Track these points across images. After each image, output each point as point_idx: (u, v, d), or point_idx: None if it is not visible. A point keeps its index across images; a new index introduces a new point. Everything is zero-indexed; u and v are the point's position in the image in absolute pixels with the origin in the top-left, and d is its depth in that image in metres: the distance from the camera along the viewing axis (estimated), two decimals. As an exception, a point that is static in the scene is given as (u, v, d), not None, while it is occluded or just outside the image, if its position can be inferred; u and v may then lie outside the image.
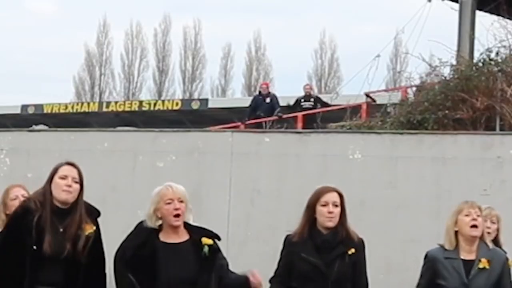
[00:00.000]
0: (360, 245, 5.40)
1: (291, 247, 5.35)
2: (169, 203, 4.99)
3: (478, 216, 5.40)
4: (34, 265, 4.90)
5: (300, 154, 9.75)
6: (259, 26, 67.50)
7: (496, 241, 6.30)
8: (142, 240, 5.01)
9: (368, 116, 15.63)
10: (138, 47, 52.77)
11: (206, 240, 4.98)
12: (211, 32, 68.86)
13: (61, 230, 4.97)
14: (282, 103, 18.44)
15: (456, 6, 16.71)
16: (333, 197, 5.32)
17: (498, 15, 15.14)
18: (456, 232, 5.43)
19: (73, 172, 5.12)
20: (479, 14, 16.38)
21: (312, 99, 18.32)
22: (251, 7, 73.08)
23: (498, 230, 6.50)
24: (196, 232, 5.04)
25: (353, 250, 5.31)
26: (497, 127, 12.22)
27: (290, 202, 9.61)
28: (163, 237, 5.01)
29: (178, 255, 4.92)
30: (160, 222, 5.06)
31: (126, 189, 10.03)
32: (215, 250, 5.02)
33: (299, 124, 17.40)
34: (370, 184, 9.34)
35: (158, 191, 5.08)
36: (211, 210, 9.31)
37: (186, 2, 72.71)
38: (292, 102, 18.57)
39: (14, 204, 5.82)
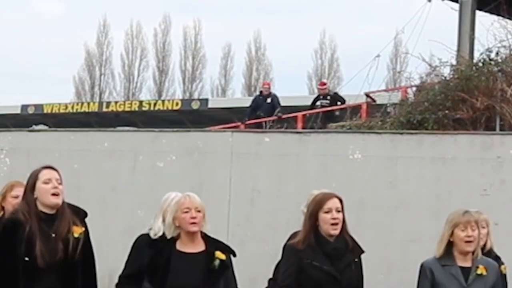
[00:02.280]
0: (361, 252, 5.39)
1: (299, 255, 5.25)
2: (186, 212, 5.12)
3: (473, 231, 5.39)
4: (28, 276, 4.85)
5: (300, 154, 9.75)
6: (259, 26, 67.58)
7: (486, 245, 6.30)
8: (159, 248, 5.18)
9: (368, 116, 15.62)
10: (138, 47, 52.83)
11: (219, 255, 5.10)
12: (211, 32, 68.96)
13: (53, 235, 4.94)
14: (282, 103, 18.43)
15: (456, 6, 16.71)
16: (335, 203, 5.28)
17: (498, 15, 15.14)
18: (450, 242, 5.43)
19: (54, 174, 5.07)
20: (479, 14, 16.38)
21: (328, 97, 18.05)
22: (251, 7, 73.17)
23: (488, 234, 6.49)
24: (212, 244, 5.17)
25: (358, 258, 5.33)
26: (497, 127, 12.22)
27: (290, 202, 9.61)
28: (180, 245, 5.12)
29: (189, 265, 5.03)
30: (178, 231, 5.17)
31: (126, 189, 10.03)
32: (225, 266, 5.13)
33: (299, 124, 17.39)
34: (370, 184, 9.35)
35: (177, 200, 5.22)
36: (211, 210, 9.24)
37: (186, 2, 72.78)
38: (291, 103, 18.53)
39: (12, 202, 5.81)
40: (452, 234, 5.41)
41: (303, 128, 16.52)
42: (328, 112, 17.19)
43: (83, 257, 5.02)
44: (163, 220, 5.83)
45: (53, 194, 4.99)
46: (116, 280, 5.84)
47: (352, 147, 9.58)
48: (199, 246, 5.13)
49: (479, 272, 5.35)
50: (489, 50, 13.54)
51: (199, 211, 5.15)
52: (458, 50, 15.35)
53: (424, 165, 9.38)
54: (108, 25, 53.22)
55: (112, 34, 53.46)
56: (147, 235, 5.94)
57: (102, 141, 10.36)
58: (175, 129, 10.61)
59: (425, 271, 5.45)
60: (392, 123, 12.94)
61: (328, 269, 5.17)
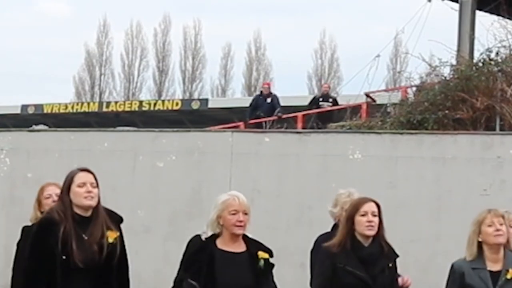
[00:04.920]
0: (395, 257, 5.42)
1: (333, 260, 5.25)
2: (233, 214, 5.09)
3: (501, 225, 5.34)
4: (64, 276, 4.86)
5: (300, 154, 9.74)
6: (259, 26, 67.66)
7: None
8: (200, 245, 5.13)
9: (368, 116, 15.63)
10: (138, 47, 52.83)
11: (262, 254, 5.08)
12: (211, 32, 68.93)
13: (86, 238, 4.94)
14: (282, 103, 18.45)
15: (456, 6, 16.72)
16: (372, 207, 5.32)
17: (498, 15, 15.15)
18: (479, 243, 5.37)
19: (89, 178, 5.07)
20: (479, 14, 16.38)
21: (331, 99, 18.26)
22: (251, 7, 73.18)
23: None
24: (253, 245, 5.15)
25: (392, 263, 5.35)
26: (497, 127, 12.22)
27: (290, 202, 9.62)
28: (221, 244, 5.09)
29: (235, 265, 5.02)
30: (220, 229, 5.13)
31: (126, 189, 10.03)
32: (270, 264, 5.13)
33: (299, 124, 17.41)
34: (370, 184, 9.32)
35: (224, 200, 5.16)
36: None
37: (186, 2, 72.79)
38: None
39: (47, 203, 5.90)
40: (479, 233, 5.35)
41: (303, 128, 16.54)
42: (328, 113, 17.30)
43: (117, 263, 5.02)
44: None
45: (86, 197, 4.99)
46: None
47: (352, 147, 9.58)
48: (241, 247, 5.10)
49: (508, 276, 5.26)
50: (489, 50, 13.55)
51: (246, 214, 5.11)
52: (458, 50, 15.35)
53: (424, 165, 9.38)
54: (108, 25, 53.29)
55: (112, 34, 53.56)
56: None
57: (102, 141, 10.35)
58: (175, 129, 10.60)
59: (455, 273, 5.39)
60: (392, 123, 12.94)
61: (361, 275, 5.17)
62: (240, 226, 5.06)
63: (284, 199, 9.63)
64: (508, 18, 14.77)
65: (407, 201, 9.33)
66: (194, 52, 52.47)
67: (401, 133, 9.99)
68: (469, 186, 9.15)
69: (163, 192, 9.95)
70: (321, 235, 6.09)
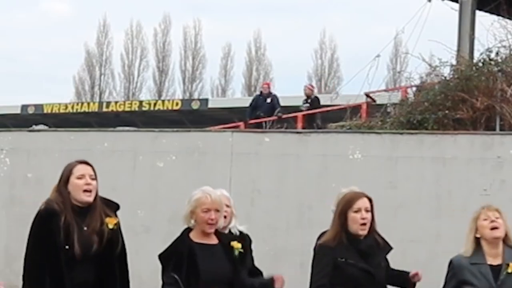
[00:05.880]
0: (390, 249, 5.48)
1: (333, 255, 5.24)
2: (205, 212, 5.15)
3: (497, 218, 5.34)
4: (68, 265, 4.91)
5: (300, 154, 9.75)
6: (259, 26, 67.65)
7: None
8: (177, 239, 5.21)
9: (368, 116, 15.62)
10: (138, 47, 52.84)
11: (236, 245, 5.22)
12: (211, 32, 68.92)
13: (85, 228, 4.98)
14: (282, 103, 18.44)
15: (456, 6, 16.71)
16: (365, 203, 5.32)
17: (498, 15, 15.14)
18: (478, 239, 5.37)
19: (88, 170, 5.12)
20: (479, 14, 16.37)
21: (309, 100, 18.20)
22: (251, 7, 73.17)
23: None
24: (224, 236, 5.29)
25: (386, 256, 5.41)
26: (497, 127, 12.21)
27: (290, 202, 9.62)
28: (194, 237, 5.17)
29: (213, 255, 5.13)
30: (193, 223, 5.21)
31: (126, 189, 10.03)
32: (243, 254, 5.29)
33: (299, 124, 17.39)
34: (370, 184, 9.31)
35: (198, 198, 5.20)
36: (211, 210, 9.31)
37: (186, 2, 72.80)
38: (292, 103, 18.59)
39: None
40: (476, 229, 5.35)
41: (303, 128, 16.53)
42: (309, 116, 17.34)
43: (118, 249, 5.07)
44: None
45: (85, 191, 5.03)
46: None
47: (352, 147, 9.58)
48: (213, 239, 5.20)
49: (510, 270, 5.24)
50: (489, 50, 13.53)
51: (217, 211, 5.18)
52: (458, 50, 15.33)
53: (424, 165, 9.38)
54: (108, 25, 53.31)
55: (112, 34, 53.58)
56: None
57: (102, 141, 10.36)
58: (175, 129, 10.61)
59: (454, 269, 5.38)
60: (392, 123, 12.93)
61: (364, 266, 5.19)
62: (212, 224, 5.14)
63: (284, 199, 9.64)
64: (508, 18, 14.75)
65: (407, 201, 9.34)
66: (194, 52, 52.50)
67: (401, 133, 10.00)
68: (469, 186, 9.16)
69: (163, 192, 9.95)
70: (323, 232, 6.09)
